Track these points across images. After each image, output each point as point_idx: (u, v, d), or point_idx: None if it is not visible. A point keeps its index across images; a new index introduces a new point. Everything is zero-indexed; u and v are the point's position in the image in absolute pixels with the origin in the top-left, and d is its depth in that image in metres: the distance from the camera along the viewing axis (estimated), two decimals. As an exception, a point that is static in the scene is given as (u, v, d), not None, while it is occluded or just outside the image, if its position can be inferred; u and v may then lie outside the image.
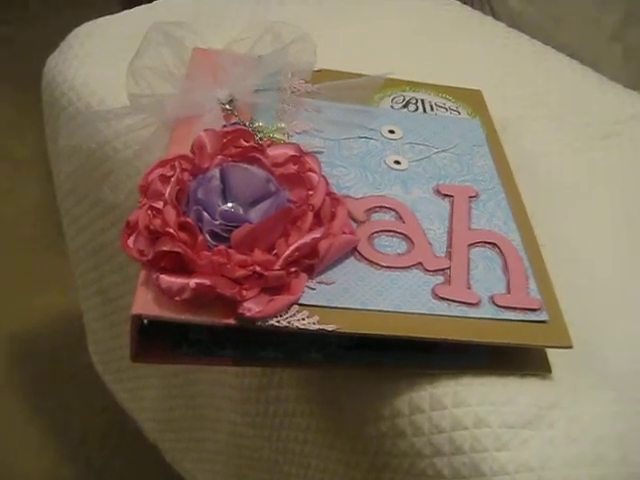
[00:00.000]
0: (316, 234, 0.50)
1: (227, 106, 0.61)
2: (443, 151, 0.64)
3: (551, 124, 0.81)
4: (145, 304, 0.47)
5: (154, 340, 0.50)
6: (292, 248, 0.48)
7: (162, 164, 0.53)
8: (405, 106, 0.69)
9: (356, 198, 0.57)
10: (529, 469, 0.48)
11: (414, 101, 0.70)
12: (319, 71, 0.68)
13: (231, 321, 0.47)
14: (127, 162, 0.76)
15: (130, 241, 0.49)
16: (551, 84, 0.88)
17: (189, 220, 0.48)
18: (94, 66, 0.86)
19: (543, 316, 0.52)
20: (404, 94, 0.71)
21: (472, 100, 0.73)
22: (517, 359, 0.53)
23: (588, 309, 0.57)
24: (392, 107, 0.69)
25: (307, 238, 0.49)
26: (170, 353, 0.51)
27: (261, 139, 0.58)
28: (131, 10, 0.95)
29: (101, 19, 0.92)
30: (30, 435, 1.25)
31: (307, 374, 0.61)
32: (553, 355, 0.54)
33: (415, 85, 0.72)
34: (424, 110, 0.70)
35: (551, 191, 0.70)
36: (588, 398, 0.52)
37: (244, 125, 0.59)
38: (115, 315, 0.92)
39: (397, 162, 0.62)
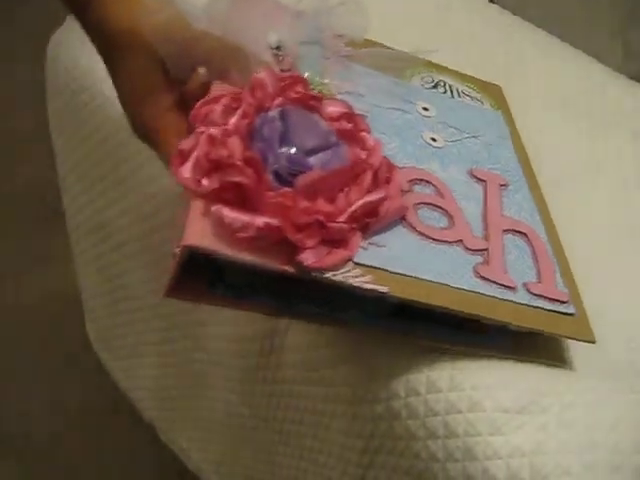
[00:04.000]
0: (380, 194, 0.49)
1: (276, 51, 0.58)
2: (473, 137, 0.65)
3: (554, 115, 0.82)
4: (201, 236, 0.43)
5: (188, 278, 0.46)
6: (358, 204, 0.47)
7: (213, 101, 0.50)
8: (435, 87, 0.70)
9: (399, 167, 0.55)
10: (522, 454, 0.48)
11: (442, 84, 0.70)
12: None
13: (288, 268, 0.45)
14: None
15: (184, 170, 0.46)
16: (555, 75, 0.89)
17: (256, 156, 0.45)
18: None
19: (571, 309, 0.53)
20: (432, 75, 0.71)
21: (494, 93, 0.74)
22: (537, 347, 0.54)
23: (586, 299, 0.57)
24: (422, 86, 0.69)
25: (373, 197, 0.48)
26: (206, 292, 0.48)
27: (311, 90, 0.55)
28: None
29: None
30: (26, 408, 1.26)
31: (303, 356, 0.61)
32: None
33: (442, 69, 0.73)
34: (452, 94, 0.70)
35: (552, 184, 0.71)
36: (583, 385, 0.53)
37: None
38: (114, 293, 0.92)
39: (433, 139, 0.62)
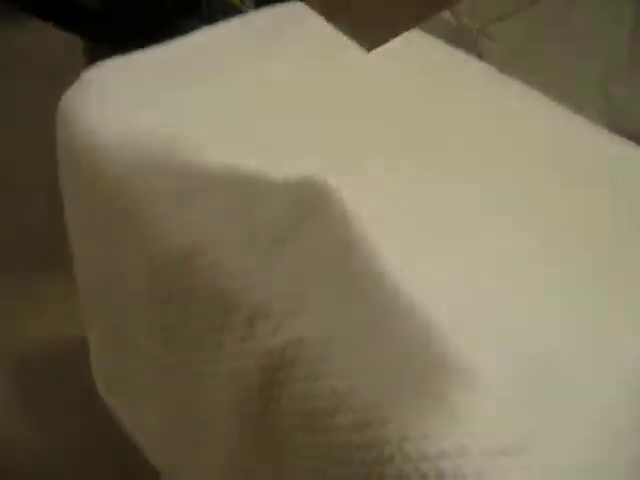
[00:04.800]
0: None
1: None
2: None
3: (535, 164, 0.85)
4: None
5: None
6: None
7: None
8: None
9: None
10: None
11: None
12: None
13: None
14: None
15: None
16: (537, 126, 0.92)
17: None
18: (110, 107, 0.90)
19: None
20: None
21: None
22: None
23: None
24: None
25: None
26: None
27: None
28: (147, 50, 0.98)
29: (118, 58, 0.95)
30: (28, 454, 1.27)
31: (303, 404, 0.65)
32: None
33: None
34: None
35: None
36: (565, 426, 0.56)
37: None
38: (119, 343, 0.96)
39: None
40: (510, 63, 1.06)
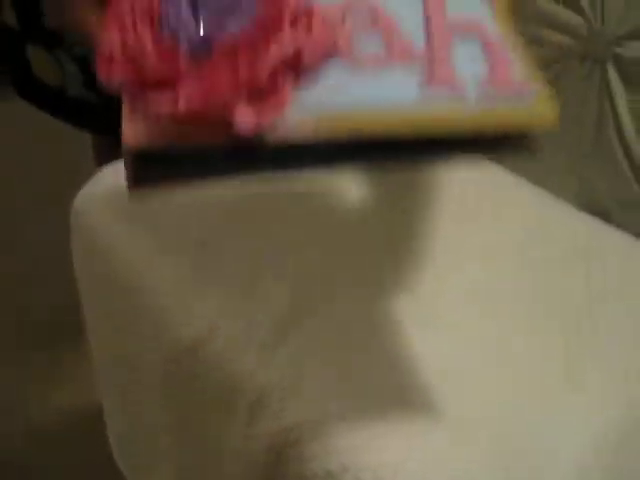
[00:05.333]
0: (299, 41, 0.47)
1: None
2: None
3: (511, 249, 0.90)
4: (138, 134, 0.44)
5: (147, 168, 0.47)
6: (275, 58, 0.45)
7: None
8: None
9: (328, 4, 0.52)
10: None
11: None
12: None
13: (225, 140, 0.45)
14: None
15: (107, 69, 0.45)
16: (512, 207, 0.97)
17: (166, 36, 0.45)
18: (123, 205, 0.95)
19: (528, 97, 0.51)
20: None
21: None
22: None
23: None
24: None
25: (290, 46, 0.46)
26: (167, 174, 0.48)
27: None
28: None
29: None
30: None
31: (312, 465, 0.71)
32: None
33: None
34: None
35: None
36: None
37: None
38: (134, 418, 1.02)
39: None
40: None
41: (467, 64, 0.51)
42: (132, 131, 0.44)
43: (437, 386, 0.74)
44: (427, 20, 0.54)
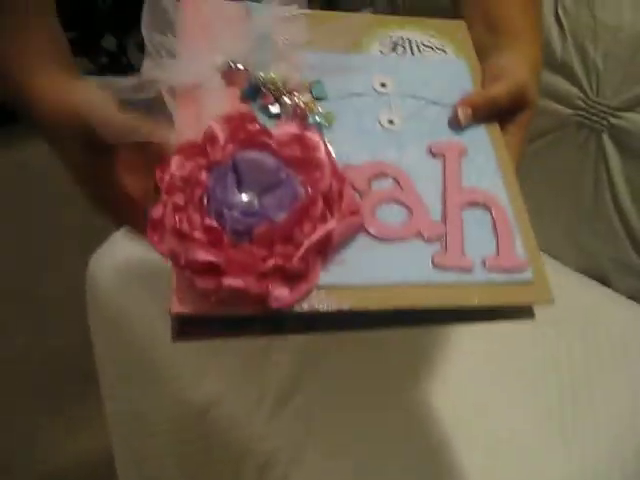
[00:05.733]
0: (330, 225, 0.52)
1: (227, 69, 0.59)
2: (433, 103, 0.65)
3: None
4: (185, 303, 0.49)
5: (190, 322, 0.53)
6: (308, 242, 0.50)
7: (176, 153, 0.53)
8: (394, 48, 0.68)
9: (356, 167, 0.58)
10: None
11: (401, 42, 0.69)
12: (307, 15, 0.66)
13: (260, 312, 0.50)
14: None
15: (158, 239, 0.50)
16: None
17: (214, 224, 0.49)
18: (139, 268, 0.96)
19: (528, 275, 0.57)
20: (391, 34, 0.69)
21: (456, 34, 0.72)
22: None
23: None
24: (381, 52, 0.68)
25: (322, 231, 0.51)
26: (207, 331, 0.54)
27: (275, 90, 0.59)
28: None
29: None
30: None
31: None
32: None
33: (401, 22, 0.71)
34: (411, 52, 0.69)
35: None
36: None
37: (255, 83, 0.60)
38: (145, 471, 1.05)
39: (390, 121, 0.63)
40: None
41: (476, 245, 0.57)
42: (178, 298, 0.49)
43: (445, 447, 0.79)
44: (444, 194, 0.59)
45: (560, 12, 1.04)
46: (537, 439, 0.84)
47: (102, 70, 0.72)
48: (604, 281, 1.10)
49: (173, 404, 0.93)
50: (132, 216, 0.60)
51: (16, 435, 1.58)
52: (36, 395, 1.65)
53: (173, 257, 0.50)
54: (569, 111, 1.06)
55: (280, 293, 0.50)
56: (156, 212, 0.50)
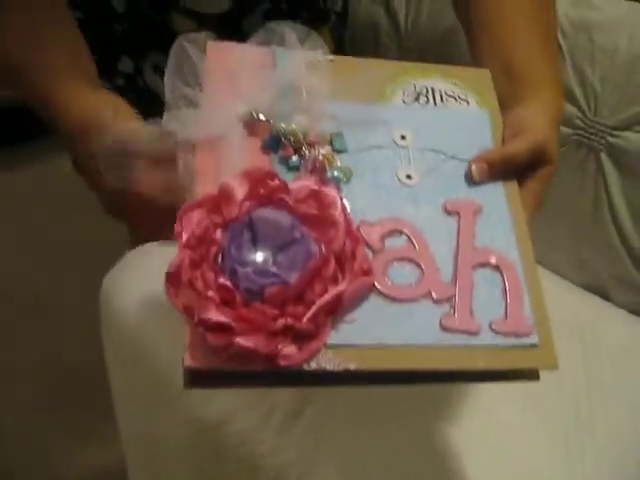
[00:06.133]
0: (341, 287, 0.52)
1: (249, 120, 0.60)
2: (452, 157, 0.65)
3: None
4: (197, 357, 0.51)
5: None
6: (318, 304, 0.51)
7: (194, 207, 0.54)
8: (417, 98, 0.68)
9: (371, 223, 0.59)
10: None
11: (425, 91, 0.69)
12: (332, 61, 0.66)
13: (270, 369, 0.51)
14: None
15: (173, 293, 0.52)
16: None
17: (227, 283, 0.50)
18: (154, 288, 0.99)
19: (534, 339, 0.57)
20: (415, 83, 0.69)
21: (480, 83, 0.71)
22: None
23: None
24: (404, 101, 0.68)
25: (333, 292, 0.52)
26: (219, 380, 0.55)
27: (295, 142, 0.60)
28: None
29: (157, 244, 0.93)
30: None
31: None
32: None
33: (426, 69, 0.71)
34: (434, 102, 0.69)
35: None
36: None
37: (277, 134, 0.60)
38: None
39: (408, 176, 0.63)
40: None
41: (485, 307, 0.58)
42: (191, 352, 0.51)
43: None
44: (457, 253, 0.60)
45: (559, 35, 1.06)
46: (539, 455, 0.85)
47: (119, 92, 0.75)
48: (605, 296, 1.12)
49: (185, 421, 0.94)
50: (149, 216, 0.62)
51: (31, 450, 1.59)
52: (51, 410, 1.66)
53: (187, 312, 0.51)
54: (568, 130, 1.07)
55: (289, 352, 0.51)
56: (174, 266, 0.52)
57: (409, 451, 0.84)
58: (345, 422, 0.87)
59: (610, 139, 1.05)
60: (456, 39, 0.88)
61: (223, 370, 0.52)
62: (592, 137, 1.06)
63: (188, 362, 0.51)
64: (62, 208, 1.81)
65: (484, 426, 0.87)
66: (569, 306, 1.04)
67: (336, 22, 1.11)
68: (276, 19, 0.93)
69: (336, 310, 0.53)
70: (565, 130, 1.08)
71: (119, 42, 0.93)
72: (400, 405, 0.87)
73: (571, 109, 1.07)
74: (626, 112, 1.02)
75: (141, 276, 0.98)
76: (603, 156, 1.06)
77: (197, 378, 0.54)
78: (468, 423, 0.88)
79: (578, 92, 1.06)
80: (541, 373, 0.81)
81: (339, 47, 1.15)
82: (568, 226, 1.13)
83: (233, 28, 0.95)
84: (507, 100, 0.69)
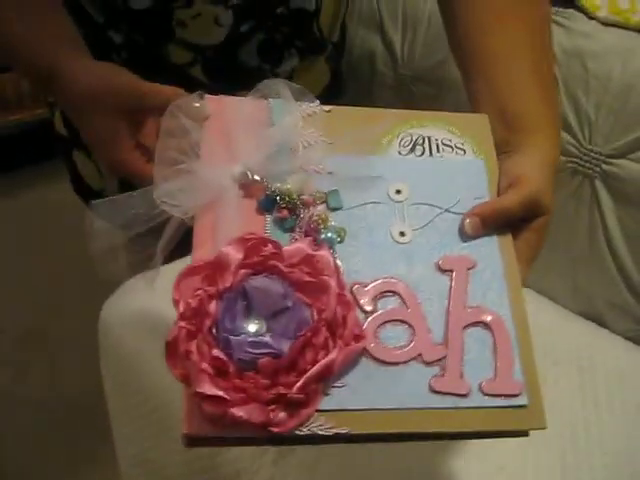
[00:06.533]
0: (332, 355, 0.53)
1: (244, 181, 0.61)
2: (446, 211, 0.65)
3: None
4: (193, 425, 0.52)
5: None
6: (309, 373, 0.52)
7: (191, 273, 0.55)
8: (413, 149, 0.68)
9: (364, 284, 0.59)
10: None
11: (421, 141, 0.69)
12: (329, 111, 0.67)
13: (263, 436, 0.53)
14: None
15: (172, 363, 0.53)
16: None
17: (221, 355, 0.52)
18: (152, 315, 0.97)
19: (523, 400, 0.58)
20: (411, 132, 0.69)
21: (477, 130, 0.71)
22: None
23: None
24: (400, 152, 0.68)
25: (323, 362, 0.53)
26: (218, 441, 0.56)
27: (290, 202, 0.60)
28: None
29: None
30: None
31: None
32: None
33: (422, 118, 0.70)
34: (430, 152, 0.68)
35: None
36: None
37: (271, 194, 0.61)
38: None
39: (402, 233, 0.63)
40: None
41: (475, 368, 0.58)
42: (188, 420, 0.53)
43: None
44: (448, 312, 0.60)
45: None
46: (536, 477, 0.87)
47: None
48: (600, 322, 1.13)
49: (181, 449, 0.96)
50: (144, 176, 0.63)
51: (25, 478, 1.62)
52: (46, 438, 1.68)
53: (185, 382, 0.53)
54: (563, 158, 1.08)
55: (281, 419, 0.52)
56: (171, 335, 0.53)
57: (409, 472, 0.86)
58: (339, 455, 0.88)
59: (605, 167, 1.06)
60: (451, 67, 0.88)
61: (218, 437, 0.53)
62: (587, 165, 1.07)
63: (186, 430, 0.53)
64: (61, 238, 1.82)
65: (482, 452, 0.89)
66: (565, 332, 1.06)
67: (332, 52, 1.12)
68: (271, 49, 0.95)
69: (327, 377, 0.54)
70: (560, 158, 1.08)
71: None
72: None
73: (566, 137, 1.08)
74: (620, 140, 1.03)
75: (140, 305, 1.00)
76: (598, 183, 1.07)
77: (195, 441, 0.55)
78: (467, 446, 0.89)
79: (572, 120, 1.07)
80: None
81: (335, 76, 1.15)
82: (563, 253, 1.14)
83: (229, 58, 0.96)
84: (503, 145, 0.69)
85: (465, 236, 0.64)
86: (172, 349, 0.53)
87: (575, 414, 0.94)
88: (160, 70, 0.94)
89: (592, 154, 1.06)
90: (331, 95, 1.12)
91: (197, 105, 0.63)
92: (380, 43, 1.28)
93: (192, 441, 0.54)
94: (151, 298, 0.96)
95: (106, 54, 0.94)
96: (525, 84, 0.72)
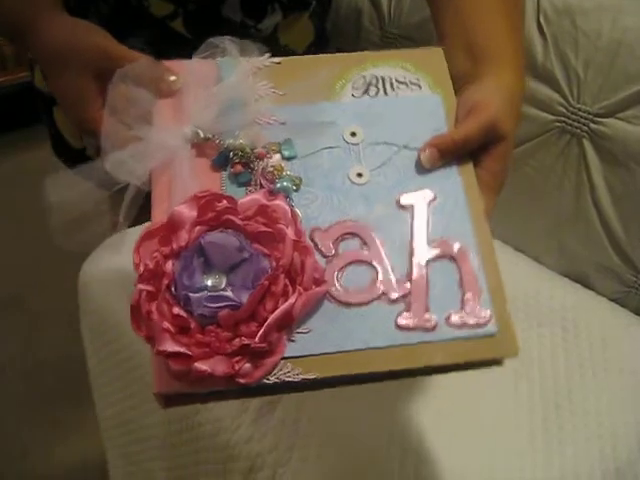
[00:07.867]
0: (291, 300, 0.54)
1: (196, 140, 0.60)
2: (404, 148, 0.64)
3: None
4: (163, 383, 0.54)
5: None
6: (270, 320, 0.53)
7: (147, 237, 0.56)
8: (366, 90, 0.67)
9: (324, 229, 0.59)
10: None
11: (374, 81, 0.67)
12: (279, 63, 0.66)
13: (233, 389, 0.53)
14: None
15: (137, 325, 0.54)
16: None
17: (181, 313, 0.52)
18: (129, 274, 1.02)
19: (492, 329, 0.57)
20: (364, 74, 0.67)
21: (433, 64, 0.69)
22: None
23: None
24: (353, 95, 0.66)
25: (282, 308, 0.53)
26: (191, 398, 0.57)
27: (243, 157, 0.60)
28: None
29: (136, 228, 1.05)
30: None
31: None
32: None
33: (376, 58, 0.69)
34: (385, 91, 0.67)
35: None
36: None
37: (225, 151, 0.60)
38: (137, 475, 1.10)
39: (359, 174, 0.62)
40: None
41: (441, 301, 0.58)
42: (157, 379, 0.54)
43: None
44: (410, 248, 0.60)
45: (542, 20, 1.05)
46: (519, 440, 0.87)
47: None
48: (586, 283, 1.13)
49: (160, 409, 0.97)
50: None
51: (7, 444, 1.63)
52: (27, 404, 1.70)
53: (150, 342, 0.54)
54: (551, 117, 1.07)
55: (247, 370, 0.53)
56: (134, 299, 0.53)
57: (385, 437, 0.86)
58: (325, 399, 0.88)
59: (593, 126, 1.04)
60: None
61: (189, 392, 0.54)
62: (575, 124, 1.06)
63: (156, 389, 0.54)
64: (38, 204, 1.81)
65: (462, 410, 0.89)
66: (550, 293, 1.05)
67: (317, 9, 1.10)
68: (255, 4, 0.93)
69: (289, 324, 0.55)
70: (547, 117, 1.07)
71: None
72: (377, 393, 0.88)
73: (554, 95, 1.06)
74: (609, 99, 1.02)
75: (119, 263, 1.00)
76: (585, 143, 1.06)
77: (170, 400, 0.56)
78: (447, 406, 0.90)
79: (561, 78, 1.05)
80: (522, 359, 0.82)
81: (320, 34, 1.13)
82: (550, 213, 1.13)
83: (212, 12, 0.95)
84: (466, 77, 0.68)
85: (424, 170, 0.63)
86: (135, 312, 0.53)
87: (559, 375, 0.94)
88: (142, 23, 0.93)
89: (580, 113, 1.05)
90: (316, 53, 1.10)
91: (173, 78, 0.63)
92: (367, 1, 1.27)
93: (167, 400, 0.56)
94: (124, 260, 0.97)
95: (86, 8, 0.92)
96: (493, 18, 0.71)
